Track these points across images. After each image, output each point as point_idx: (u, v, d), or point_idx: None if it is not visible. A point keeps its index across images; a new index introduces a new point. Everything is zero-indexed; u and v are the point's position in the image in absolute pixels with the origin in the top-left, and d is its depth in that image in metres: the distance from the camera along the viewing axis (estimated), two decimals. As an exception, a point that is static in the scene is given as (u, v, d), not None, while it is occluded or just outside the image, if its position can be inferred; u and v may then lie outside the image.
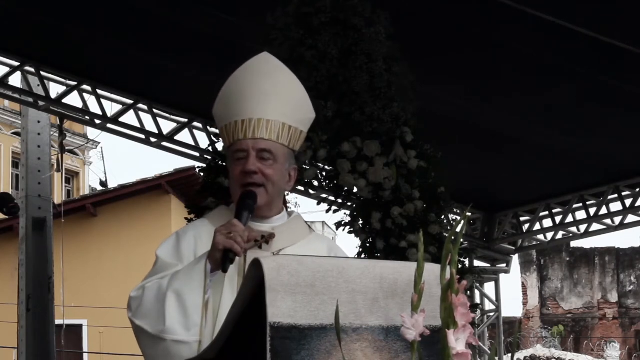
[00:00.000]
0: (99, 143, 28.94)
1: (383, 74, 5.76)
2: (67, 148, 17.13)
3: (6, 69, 9.20)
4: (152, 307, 2.77)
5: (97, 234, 20.86)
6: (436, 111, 7.64)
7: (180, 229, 3.02)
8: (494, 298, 11.11)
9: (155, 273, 2.87)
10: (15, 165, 24.94)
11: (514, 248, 11.27)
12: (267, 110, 2.93)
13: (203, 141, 9.56)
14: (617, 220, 10.46)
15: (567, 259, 29.20)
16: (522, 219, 10.92)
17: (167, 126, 9.58)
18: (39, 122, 9.79)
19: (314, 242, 3.03)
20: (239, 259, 2.81)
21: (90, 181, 28.87)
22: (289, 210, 3.13)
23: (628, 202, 10.13)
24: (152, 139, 9.56)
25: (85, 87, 9.20)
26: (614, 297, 28.75)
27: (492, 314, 11.07)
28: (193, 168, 17.89)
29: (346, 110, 5.77)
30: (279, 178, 2.96)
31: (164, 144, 9.61)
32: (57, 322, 10.17)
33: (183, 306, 2.74)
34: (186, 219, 5.84)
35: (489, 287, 11.16)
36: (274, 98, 2.95)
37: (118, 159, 59.21)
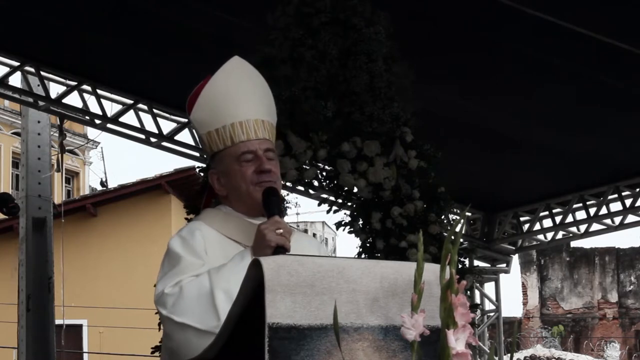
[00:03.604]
0: (99, 143, 29.00)
1: (383, 74, 5.76)
2: (67, 148, 17.13)
3: (6, 69, 9.20)
4: (196, 304, 2.73)
5: (97, 234, 20.85)
6: (436, 111, 7.65)
7: (184, 231, 2.98)
8: (494, 298, 11.12)
9: (183, 270, 2.83)
10: (15, 165, 24.95)
11: (514, 248, 11.28)
12: (258, 111, 3.00)
13: (203, 141, 9.55)
14: (617, 220, 10.47)
15: (567, 259, 29.21)
16: (522, 219, 10.93)
17: (167, 126, 9.60)
18: (39, 122, 9.79)
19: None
20: None
21: (90, 181, 28.90)
22: None
23: (628, 202, 10.13)
24: (152, 139, 9.56)
25: (85, 87, 9.21)
26: (614, 297, 28.76)
27: (492, 314, 11.08)
28: (193, 168, 17.90)
29: (346, 110, 5.77)
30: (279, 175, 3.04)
31: (164, 144, 9.62)
32: (57, 322, 10.17)
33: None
34: (186, 219, 5.83)
35: (489, 287, 11.17)
36: (259, 98, 3.03)
37: (118, 159, 59.32)
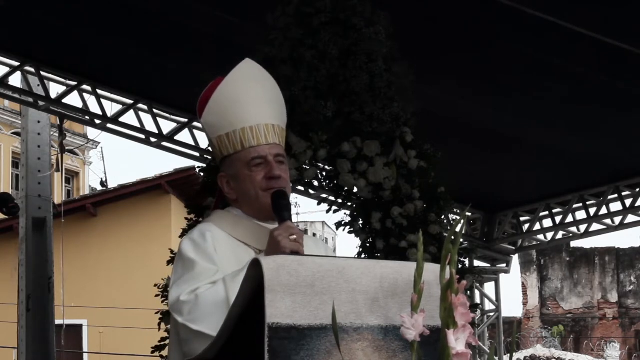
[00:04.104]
0: (99, 143, 28.98)
1: (383, 74, 5.76)
2: (67, 148, 17.13)
3: (6, 69, 9.19)
4: (213, 313, 2.71)
5: (97, 234, 20.85)
6: (436, 111, 7.65)
7: (194, 233, 2.97)
8: (494, 298, 11.12)
9: (198, 277, 2.81)
10: (15, 165, 24.94)
11: (514, 248, 11.27)
12: (269, 115, 2.99)
13: (203, 141, 9.56)
14: (617, 220, 10.46)
15: (567, 259, 29.20)
16: (522, 219, 10.92)
17: (167, 126, 9.59)
18: (39, 122, 9.78)
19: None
20: None
21: (90, 181, 28.89)
22: None
23: (628, 202, 10.13)
24: (152, 139, 9.55)
25: (85, 87, 9.20)
26: (614, 297, 28.75)
27: (492, 314, 11.08)
28: (193, 168, 17.90)
29: (346, 110, 5.77)
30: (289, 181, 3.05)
31: (164, 144, 9.61)
32: (57, 322, 10.16)
33: None
34: (186, 218, 5.84)
35: (489, 287, 11.17)
36: (269, 103, 3.03)
37: (118, 159, 59.32)
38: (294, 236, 2.80)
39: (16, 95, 9.71)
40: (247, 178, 2.97)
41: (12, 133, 25.52)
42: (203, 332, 2.71)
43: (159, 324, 5.69)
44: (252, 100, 2.98)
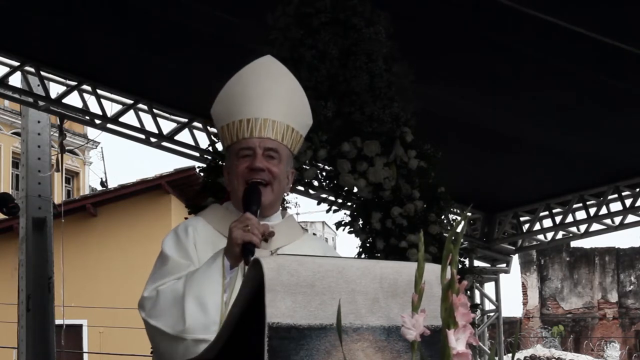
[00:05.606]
0: (99, 143, 28.97)
1: (383, 74, 5.76)
2: (67, 148, 17.12)
3: (6, 69, 9.20)
4: (170, 308, 2.77)
5: (97, 234, 20.85)
6: (436, 111, 7.65)
7: (179, 227, 3.01)
8: (494, 298, 11.12)
9: (168, 272, 2.87)
10: (15, 165, 24.94)
11: (514, 248, 11.28)
12: (272, 111, 2.95)
13: (203, 141, 9.57)
14: (617, 220, 10.47)
15: (567, 259, 29.20)
16: (522, 219, 10.93)
17: (167, 126, 9.60)
18: (39, 122, 9.79)
19: (308, 242, 3.05)
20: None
21: (90, 181, 28.88)
22: (284, 210, 3.16)
23: (628, 202, 10.14)
24: (152, 139, 9.56)
25: (85, 87, 9.20)
26: (614, 297, 28.75)
27: (492, 314, 11.08)
28: (193, 168, 17.90)
29: (346, 110, 5.77)
30: (283, 177, 2.99)
31: (164, 144, 9.61)
32: (57, 322, 10.16)
33: (203, 306, 2.75)
34: (186, 218, 5.83)
35: (489, 287, 11.17)
36: (279, 100, 2.98)
37: (118, 159, 59.30)
38: (248, 227, 2.79)
39: (16, 95, 9.71)
40: (233, 169, 2.97)
41: (12, 133, 25.52)
42: (159, 327, 2.77)
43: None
44: (258, 94, 2.95)
